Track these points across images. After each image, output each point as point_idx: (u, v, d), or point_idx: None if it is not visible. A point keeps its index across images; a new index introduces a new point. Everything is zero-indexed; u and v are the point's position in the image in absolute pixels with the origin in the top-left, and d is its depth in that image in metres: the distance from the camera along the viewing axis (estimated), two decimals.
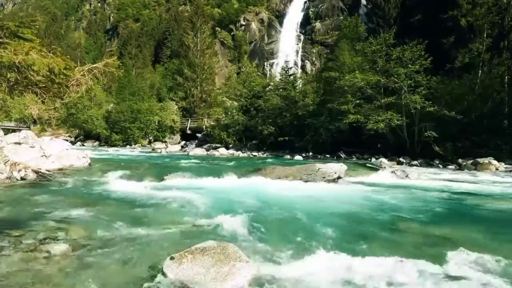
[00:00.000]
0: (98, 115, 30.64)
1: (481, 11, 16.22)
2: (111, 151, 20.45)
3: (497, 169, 10.97)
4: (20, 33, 2.54)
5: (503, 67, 15.18)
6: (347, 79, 15.40)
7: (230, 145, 22.30)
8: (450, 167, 12.12)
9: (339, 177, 7.88)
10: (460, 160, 12.56)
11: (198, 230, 3.55)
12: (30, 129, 22.73)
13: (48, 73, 2.44)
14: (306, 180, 7.50)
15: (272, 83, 24.93)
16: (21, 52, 2.36)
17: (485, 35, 16.28)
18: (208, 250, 2.54)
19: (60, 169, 7.85)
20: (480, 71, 16.07)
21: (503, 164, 11.45)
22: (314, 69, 50.89)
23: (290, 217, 4.26)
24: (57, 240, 3.10)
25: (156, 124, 29.87)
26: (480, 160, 11.55)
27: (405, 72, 14.28)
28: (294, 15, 61.56)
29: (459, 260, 2.80)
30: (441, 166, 12.39)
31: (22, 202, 4.64)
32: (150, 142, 29.44)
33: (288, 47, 57.07)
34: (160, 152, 21.24)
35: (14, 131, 12.44)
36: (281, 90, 22.12)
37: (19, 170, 6.70)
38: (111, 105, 32.80)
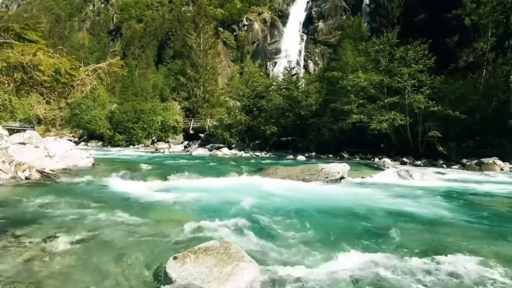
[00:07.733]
0: (102, 116, 30.86)
1: (486, 10, 16.09)
2: (115, 151, 20.53)
3: (501, 169, 10.89)
4: (25, 35, 2.56)
5: (508, 66, 15.04)
6: (350, 79, 15.33)
7: (233, 145, 22.29)
8: (454, 167, 12.03)
9: (342, 177, 7.86)
10: (464, 160, 12.48)
11: (201, 230, 3.56)
12: (34, 129, 22.91)
13: (53, 73, 2.46)
14: (309, 180, 7.49)
15: (274, 83, 24.88)
16: (28, 53, 2.38)
17: (489, 34, 16.16)
18: (211, 250, 2.54)
19: (64, 169, 7.89)
20: (484, 71, 15.96)
21: (507, 164, 11.37)
22: (317, 69, 50.90)
23: (293, 218, 4.25)
24: (60, 239, 3.12)
25: (159, 124, 29.98)
26: (485, 160, 11.46)
27: (409, 71, 14.18)
28: (297, 15, 61.61)
29: (461, 260, 2.78)
30: (445, 166, 12.30)
31: (26, 201, 4.68)
32: (153, 142, 29.57)
33: (290, 47, 57.13)
34: (163, 152, 21.27)
35: (18, 131, 12.54)
36: (283, 90, 22.05)
37: (24, 170, 6.75)
38: (115, 105, 33.04)
